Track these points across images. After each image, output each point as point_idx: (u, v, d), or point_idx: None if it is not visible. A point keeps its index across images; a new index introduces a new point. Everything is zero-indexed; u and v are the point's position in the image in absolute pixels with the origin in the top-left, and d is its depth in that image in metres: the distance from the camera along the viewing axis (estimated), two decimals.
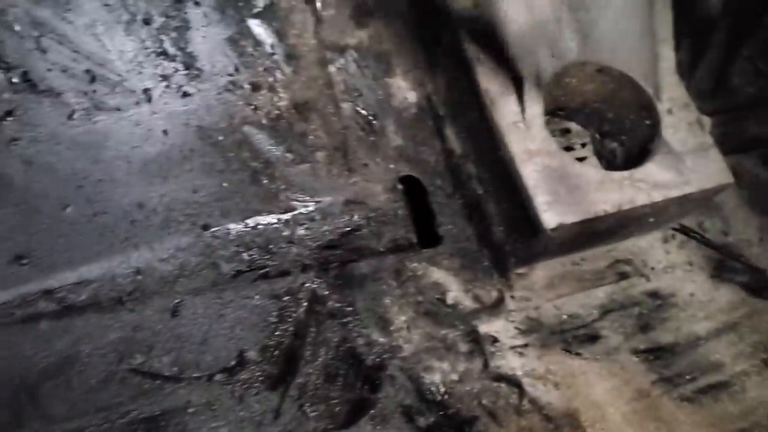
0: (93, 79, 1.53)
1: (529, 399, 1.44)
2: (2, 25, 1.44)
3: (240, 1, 1.63)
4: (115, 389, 1.37)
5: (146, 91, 1.57)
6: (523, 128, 1.45)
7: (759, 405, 1.47)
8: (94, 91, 1.53)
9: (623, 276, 1.68)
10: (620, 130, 1.69)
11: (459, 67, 1.58)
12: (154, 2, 1.56)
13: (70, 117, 1.52)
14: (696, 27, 1.85)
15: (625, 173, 1.46)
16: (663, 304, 1.65)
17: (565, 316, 1.60)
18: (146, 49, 1.57)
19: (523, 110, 1.46)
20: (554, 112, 1.78)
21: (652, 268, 1.70)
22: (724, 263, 1.73)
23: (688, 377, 1.52)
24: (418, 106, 1.76)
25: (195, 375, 1.40)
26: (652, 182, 1.45)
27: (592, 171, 1.46)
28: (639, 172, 1.46)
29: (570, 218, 1.38)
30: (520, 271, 1.62)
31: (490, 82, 1.50)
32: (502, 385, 1.47)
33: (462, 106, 1.64)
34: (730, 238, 1.77)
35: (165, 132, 1.58)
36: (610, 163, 1.72)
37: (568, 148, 1.76)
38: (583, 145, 1.77)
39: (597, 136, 1.76)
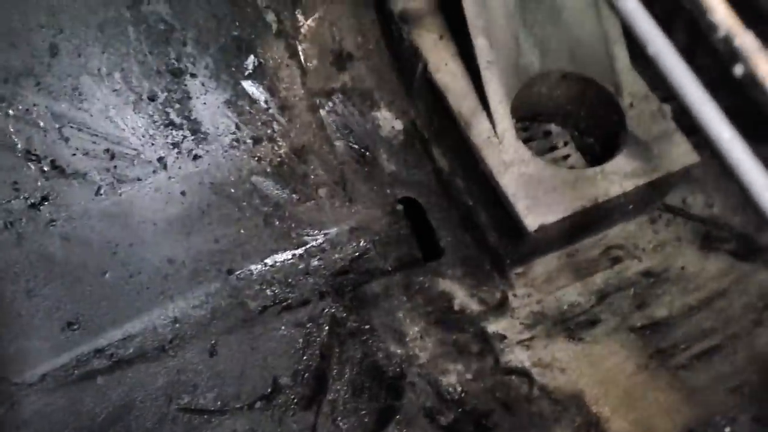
0: (113, 157, 1.71)
1: (538, 387, 1.56)
2: (28, 123, 1.64)
3: (232, 66, 1.80)
4: (169, 428, 1.54)
5: (161, 159, 1.75)
6: (497, 142, 1.59)
7: (748, 364, 1.55)
8: (115, 167, 1.71)
9: (616, 260, 1.76)
10: (594, 125, 1.81)
11: (433, 94, 1.73)
12: (155, 80, 1.73)
13: (97, 193, 1.70)
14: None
15: (597, 169, 1.58)
16: (656, 281, 1.72)
17: (565, 306, 1.70)
18: (155, 122, 1.75)
19: (494, 126, 1.60)
20: (534, 117, 1.92)
21: (643, 249, 1.78)
22: (711, 234, 1.81)
23: (682, 347, 1.60)
24: (405, 132, 1.91)
25: (237, 406, 1.56)
26: (623, 173, 1.57)
27: (565, 171, 1.59)
28: (610, 166, 1.58)
29: (550, 218, 1.51)
30: (519, 270, 1.73)
31: (461, 106, 1.64)
32: (513, 377, 1.59)
33: (442, 128, 1.78)
34: (715, 209, 1.84)
35: (183, 193, 1.76)
36: (591, 156, 1.84)
37: (552, 148, 1.89)
38: (566, 144, 1.90)
39: (576, 133, 1.89)
